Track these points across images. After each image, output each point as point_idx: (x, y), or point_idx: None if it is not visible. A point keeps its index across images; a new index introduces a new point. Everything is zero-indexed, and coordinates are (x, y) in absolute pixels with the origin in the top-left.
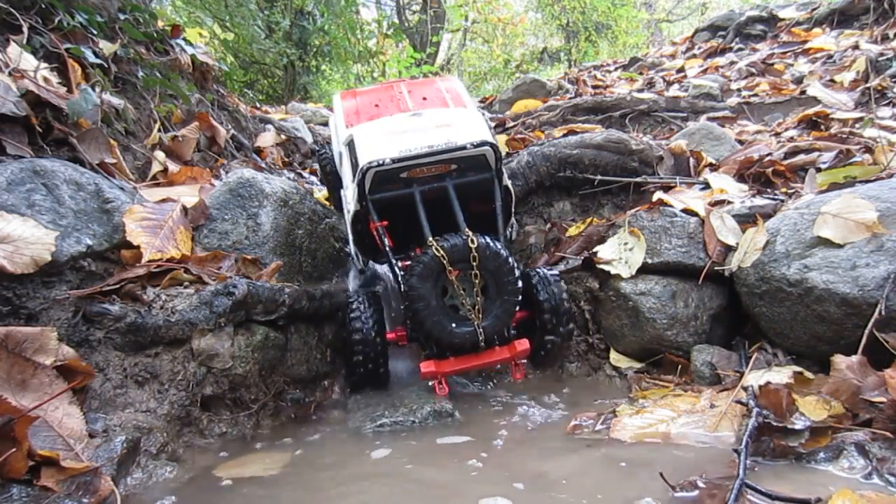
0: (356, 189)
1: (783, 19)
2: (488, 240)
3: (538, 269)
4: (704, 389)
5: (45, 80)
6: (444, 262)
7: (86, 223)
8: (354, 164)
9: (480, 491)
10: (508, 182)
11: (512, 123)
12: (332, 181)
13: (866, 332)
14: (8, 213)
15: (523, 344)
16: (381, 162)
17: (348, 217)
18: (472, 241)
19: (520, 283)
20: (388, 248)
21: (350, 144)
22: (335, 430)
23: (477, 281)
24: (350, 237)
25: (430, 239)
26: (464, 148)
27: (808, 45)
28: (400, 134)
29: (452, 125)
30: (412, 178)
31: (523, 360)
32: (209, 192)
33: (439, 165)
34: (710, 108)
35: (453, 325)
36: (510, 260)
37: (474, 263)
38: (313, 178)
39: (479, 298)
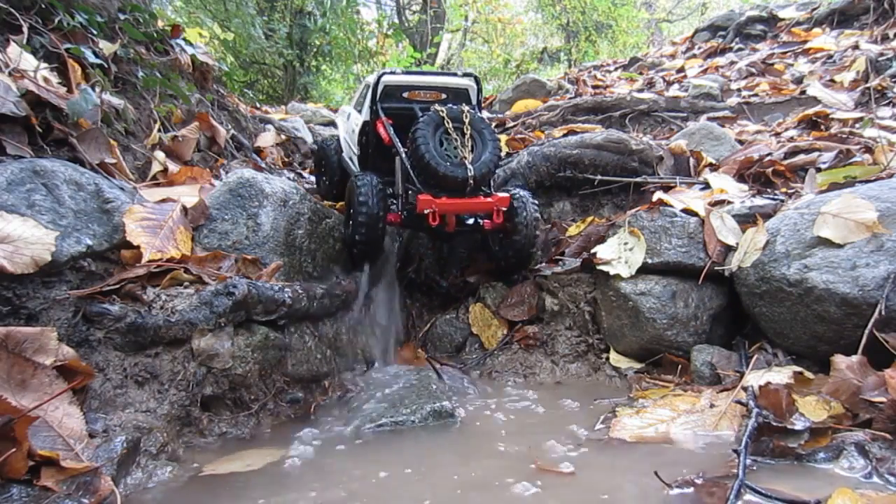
0: (370, 96)
1: (783, 19)
2: (476, 110)
3: (519, 191)
4: (704, 389)
5: (45, 80)
6: (443, 115)
7: (86, 223)
8: (369, 86)
9: (478, 492)
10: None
11: (512, 123)
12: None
13: (866, 332)
14: (8, 213)
15: (504, 195)
16: (392, 71)
17: (355, 132)
18: (464, 107)
19: (500, 142)
20: (392, 135)
21: (366, 85)
22: (335, 430)
23: (467, 133)
24: (351, 153)
25: (435, 106)
26: (451, 78)
27: (808, 45)
28: (406, 75)
29: (445, 75)
30: (412, 99)
31: (503, 209)
32: (209, 192)
33: (433, 92)
34: (710, 108)
35: (448, 164)
36: (491, 126)
37: (466, 120)
38: (313, 179)
39: (469, 144)
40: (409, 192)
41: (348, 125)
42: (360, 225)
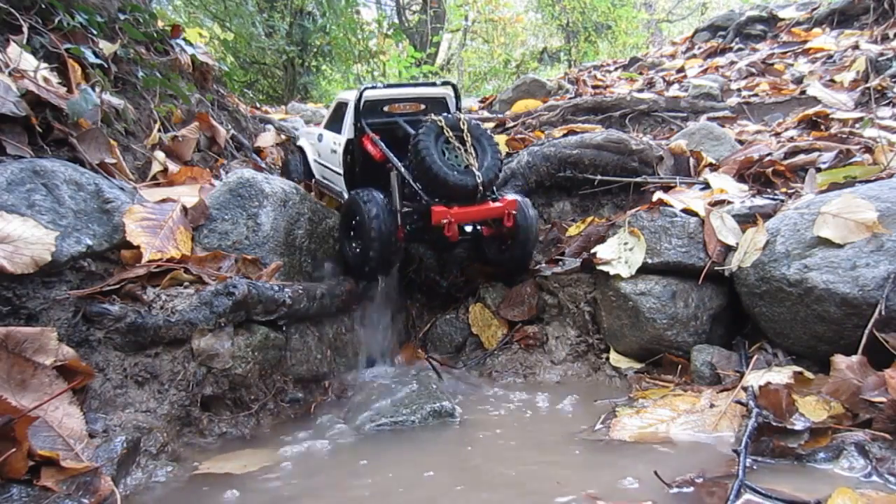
0: (353, 112)
1: (783, 19)
2: (472, 118)
3: (518, 197)
4: (704, 389)
5: (45, 80)
6: (441, 125)
7: (86, 223)
8: (344, 104)
9: (477, 491)
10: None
11: (512, 123)
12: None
13: (866, 332)
14: (8, 213)
15: (511, 198)
16: (374, 86)
17: (339, 153)
18: (460, 115)
19: (498, 145)
20: (386, 150)
21: (339, 104)
22: (335, 430)
23: (468, 141)
24: (327, 174)
25: (431, 115)
26: (430, 88)
27: (808, 45)
28: (386, 89)
29: (422, 85)
30: (392, 112)
31: (513, 212)
32: (209, 192)
33: (412, 103)
34: (710, 108)
35: (455, 173)
36: (489, 132)
37: (464, 128)
38: None
39: (471, 151)
40: (406, 206)
41: (322, 147)
42: (373, 245)
